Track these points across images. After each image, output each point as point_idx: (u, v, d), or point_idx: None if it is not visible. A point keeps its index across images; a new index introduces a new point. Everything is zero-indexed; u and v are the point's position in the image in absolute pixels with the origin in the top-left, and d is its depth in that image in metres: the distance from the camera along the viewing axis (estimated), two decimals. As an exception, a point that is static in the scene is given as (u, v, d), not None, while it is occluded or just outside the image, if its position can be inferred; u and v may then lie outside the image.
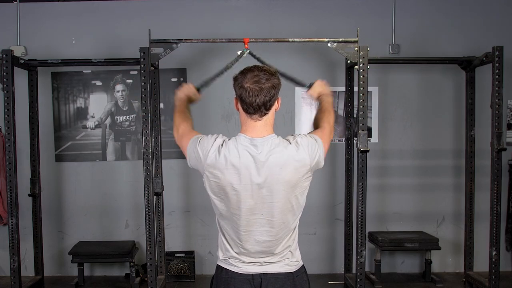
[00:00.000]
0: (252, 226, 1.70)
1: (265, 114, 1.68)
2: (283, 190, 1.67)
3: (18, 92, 3.71)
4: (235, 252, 1.75)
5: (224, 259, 1.78)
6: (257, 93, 1.63)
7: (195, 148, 1.71)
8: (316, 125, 1.94)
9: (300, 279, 1.79)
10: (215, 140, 1.69)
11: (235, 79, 1.69)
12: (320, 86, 2.11)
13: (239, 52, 3.06)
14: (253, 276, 1.74)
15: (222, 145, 1.67)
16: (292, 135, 1.75)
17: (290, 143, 1.68)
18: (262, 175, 1.64)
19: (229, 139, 1.69)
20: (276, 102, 1.71)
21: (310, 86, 2.15)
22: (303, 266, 1.83)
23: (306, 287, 1.81)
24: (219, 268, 1.80)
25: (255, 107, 1.65)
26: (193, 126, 1.94)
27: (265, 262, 1.74)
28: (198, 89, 2.14)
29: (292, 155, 1.65)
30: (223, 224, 1.76)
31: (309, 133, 1.84)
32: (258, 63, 1.73)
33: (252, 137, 1.68)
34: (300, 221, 1.81)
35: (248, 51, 3.10)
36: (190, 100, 2.09)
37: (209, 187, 1.72)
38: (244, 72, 1.68)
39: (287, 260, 1.77)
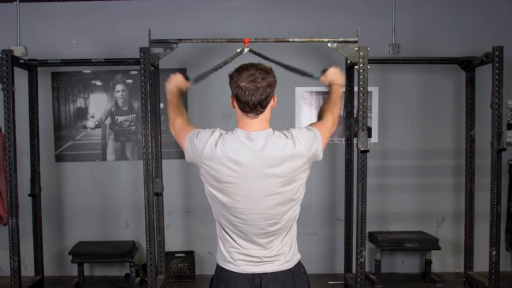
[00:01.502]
0: (250, 220, 1.71)
1: (261, 112, 1.69)
2: (280, 183, 1.67)
3: (18, 92, 3.71)
4: (234, 250, 1.75)
5: (223, 258, 1.78)
6: (253, 92, 1.64)
7: (193, 142, 1.72)
8: (320, 115, 1.94)
9: (300, 279, 1.79)
10: (212, 133, 1.71)
11: (231, 77, 1.70)
12: (333, 74, 2.06)
13: (238, 50, 3.06)
14: (252, 275, 1.74)
15: (219, 138, 1.68)
16: (287, 129, 1.75)
17: (286, 136, 1.69)
18: (259, 169, 1.65)
19: (226, 133, 1.71)
20: (272, 100, 1.72)
21: (323, 72, 2.08)
22: (301, 264, 1.84)
23: (306, 287, 1.81)
24: (218, 267, 1.81)
25: (251, 106, 1.66)
26: (188, 119, 1.94)
27: (263, 259, 1.74)
28: (187, 78, 2.10)
29: (288, 148, 1.66)
30: (221, 219, 1.77)
31: (309, 124, 1.84)
32: (254, 61, 1.72)
33: (249, 131, 1.69)
34: (300, 221, 1.82)
35: (248, 49, 3.10)
36: (180, 91, 2.07)
37: (206, 181, 1.73)
38: (240, 70, 1.68)
39: (286, 257, 1.77)
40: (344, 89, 2.03)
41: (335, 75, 2.05)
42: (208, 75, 2.39)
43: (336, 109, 1.94)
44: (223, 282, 1.76)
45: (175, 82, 2.06)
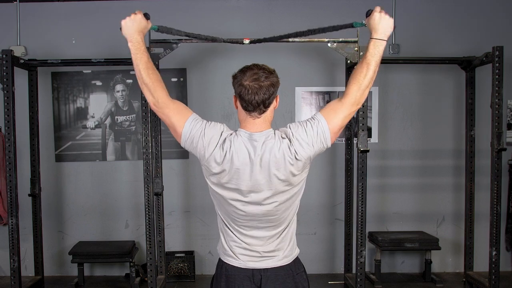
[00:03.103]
0: (251, 216, 1.72)
1: (263, 112, 1.69)
2: (281, 184, 1.68)
3: (18, 92, 3.72)
4: (234, 244, 1.77)
5: (224, 252, 1.80)
6: (257, 90, 1.64)
7: (201, 132, 1.68)
8: (348, 84, 1.73)
9: (300, 277, 1.81)
10: (221, 134, 1.68)
11: (234, 77, 1.70)
12: (377, 20, 1.70)
13: (243, 43, 3.02)
14: (253, 272, 1.76)
15: (226, 139, 1.67)
16: (288, 126, 1.72)
17: (285, 138, 1.68)
18: (260, 171, 1.66)
19: (231, 133, 1.69)
20: (274, 100, 1.72)
21: (368, 14, 1.74)
22: (300, 261, 1.85)
23: (306, 285, 1.82)
24: (219, 262, 1.83)
25: (254, 104, 1.66)
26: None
27: (263, 254, 1.76)
28: (145, 15, 1.78)
29: (286, 151, 1.65)
30: (222, 213, 1.78)
31: (327, 105, 1.75)
32: (257, 62, 1.72)
33: (251, 132, 1.69)
34: (300, 221, 1.83)
35: (249, 41, 3.09)
36: (143, 35, 1.76)
37: (209, 178, 1.74)
38: (243, 70, 1.68)
39: (284, 252, 1.79)
40: (383, 46, 1.67)
41: (380, 22, 1.69)
42: (177, 33, 2.15)
43: (366, 78, 1.67)
44: (223, 279, 1.78)
45: (137, 25, 1.73)
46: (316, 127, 1.68)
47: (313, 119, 1.70)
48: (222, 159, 1.65)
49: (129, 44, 1.72)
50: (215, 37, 2.51)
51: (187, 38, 3.54)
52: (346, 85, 1.75)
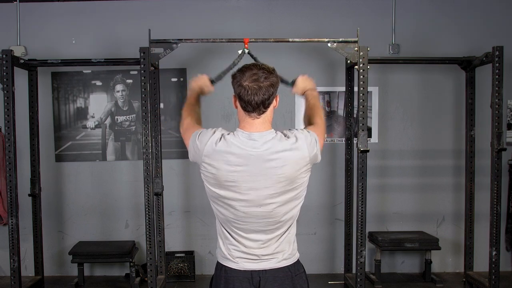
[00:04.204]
0: (250, 218, 1.71)
1: (263, 112, 1.69)
2: (282, 183, 1.67)
3: (18, 92, 3.72)
4: (233, 247, 1.76)
5: (223, 255, 1.79)
6: (256, 91, 1.64)
7: (195, 142, 1.73)
8: (309, 122, 1.94)
9: (299, 278, 1.80)
10: (214, 133, 1.72)
11: (234, 77, 1.70)
12: (303, 82, 2.11)
13: (240, 51, 3.09)
14: (251, 274, 1.75)
15: (220, 138, 1.68)
16: (289, 129, 1.76)
17: (289, 137, 1.69)
18: (260, 169, 1.65)
19: (227, 133, 1.71)
20: (274, 100, 1.72)
21: (293, 83, 2.14)
22: (300, 263, 1.84)
23: (305, 287, 1.81)
24: (218, 265, 1.82)
25: (254, 105, 1.66)
26: (200, 119, 1.97)
27: (261, 257, 1.75)
28: (212, 81, 2.19)
29: (291, 150, 1.66)
30: (221, 216, 1.77)
31: (304, 128, 1.86)
32: (257, 62, 1.74)
33: (250, 132, 1.69)
34: (300, 221, 1.82)
35: (248, 51, 3.12)
36: (202, 92, 2.13)
37: (207, 179, 1.73)
38: (243, 70, 1.68)
39: (284, 255, 1.78)
40: (316, 92, 2.09)
41: (305, 82, 2.11)
42: (223, 76, 2.58)
43: (321, 112, 1.96)
44: (222, 281, 1.77)
45: (199, 82, 2.14)
46: (315, 139, 1.76)
47: (310, 132, 1.78)
48: (217, 157, 1.65)
49: (189, 92, 2.13)
50: (233, 62, 2.90)
51: (188, 39, 3.59)
52: (305, 120, 1.98)
